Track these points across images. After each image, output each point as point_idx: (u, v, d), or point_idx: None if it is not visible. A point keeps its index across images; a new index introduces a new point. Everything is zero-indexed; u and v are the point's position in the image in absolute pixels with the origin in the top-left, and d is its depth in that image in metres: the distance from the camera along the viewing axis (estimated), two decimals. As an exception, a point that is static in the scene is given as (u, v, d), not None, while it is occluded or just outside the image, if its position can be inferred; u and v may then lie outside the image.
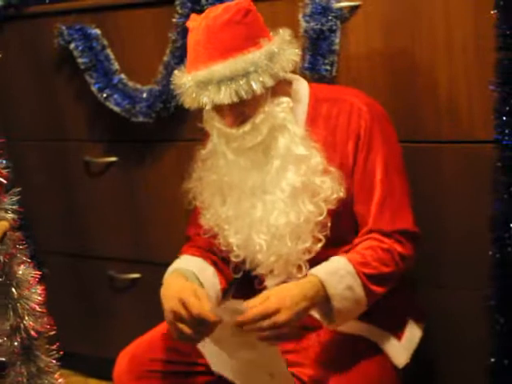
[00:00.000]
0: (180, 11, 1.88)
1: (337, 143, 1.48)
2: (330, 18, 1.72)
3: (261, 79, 1.37)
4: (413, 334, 1.57)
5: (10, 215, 1.12)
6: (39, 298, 1.16)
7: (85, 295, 2.40)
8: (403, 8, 1.68)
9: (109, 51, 2.05)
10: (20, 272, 1.15)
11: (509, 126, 1.56)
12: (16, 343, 1.15)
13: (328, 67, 1.75)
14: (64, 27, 2.05)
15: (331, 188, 1.44)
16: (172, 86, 1.47)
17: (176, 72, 1.47)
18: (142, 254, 2.23)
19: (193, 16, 1.46)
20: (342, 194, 1.45)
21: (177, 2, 1.88)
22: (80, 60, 2.04)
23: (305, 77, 1.76)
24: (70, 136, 2.25)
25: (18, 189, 1.13)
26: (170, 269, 1.56)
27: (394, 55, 1.72)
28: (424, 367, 1.85)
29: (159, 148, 2.05)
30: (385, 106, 1.72)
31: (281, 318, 1.28)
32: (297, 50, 1.45)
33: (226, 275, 1.61)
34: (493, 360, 1.66)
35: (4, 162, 1.14)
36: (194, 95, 1.39)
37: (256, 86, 1.37)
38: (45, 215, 2.39)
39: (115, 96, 2.03)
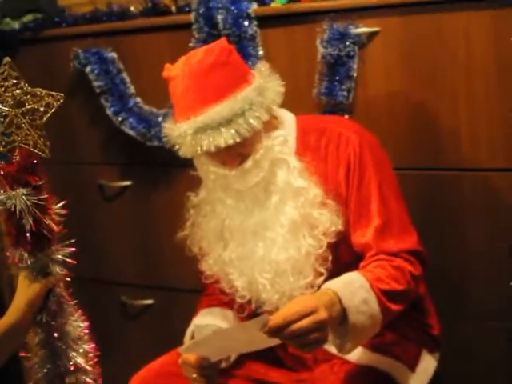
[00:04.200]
0: (197, 36, 1.89)
1: (328, 173, 1.49)
2: (347, 43, 1.73)
3: (257, 114, 1.39)
4: (427, 364, 1.55)
5: (59, 269, 1.10)
6: (86, 354, 1.15)
7: (97, 320, 2.36)
8: (423, 34, 1.68)
9: (124, 75, 2.07)
10: (66, 327, 1.13)
11: (530, 154, 1.56)
12: None
13: (345, 93, 1.75)
14: (80, 50, 2.07)
15: (330, 221, 1.44)
16: (165, 139, 1.47)
17: (166, 125, 1.47)
18: (155, 280, 2.23)
19: (167, 66, 1.45)
20: (340, 227, 1.45)
21: (194, 27, 1.90)
22: (95, 83, 2.06)
23: (320, 103, 1.79)
24: (84, 159, 2.26)
25: (73, 240, 1.10)
26: (190, 330, 1.60)
27: (413, 82, 1.71)
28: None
29: (173, 173, 2.06)
30: (403, 133, 1.75)
31: (321, 315, 1.23)
32: (279, 82, 1.45)
33: None
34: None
35: (60, 211, 1.11)
36: (193, 142, 1.39)
37: (255, 123, 1.38)
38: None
39: (130, 120, 2.04)
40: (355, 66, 1.75)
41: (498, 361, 1.73)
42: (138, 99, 2.06)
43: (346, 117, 1.77)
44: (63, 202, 1.11)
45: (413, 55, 1.70)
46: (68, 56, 2.09)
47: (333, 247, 1.46)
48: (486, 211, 1.70)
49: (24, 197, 1.07)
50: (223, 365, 1.53)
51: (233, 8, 1.83)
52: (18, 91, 1.06)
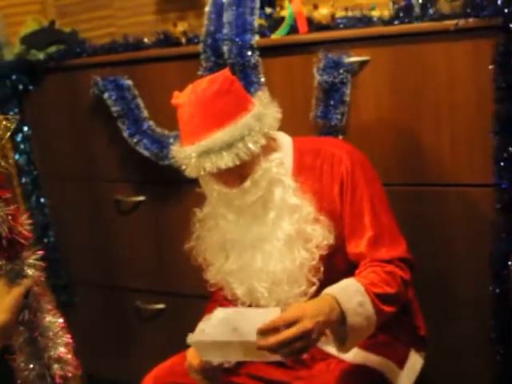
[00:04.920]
0: (204, 65, 2.01)
1: (323, 191, 1.56)
2: (341, 71, 1.83)
3: (255, 139, 1.46)
4: (414, 362, 1.64)
5: (33, 271, 1.15)
6: (66, 345, 1.18)
7: (114, 323, 2.48)
8: (408, 64, 1.78)
9: (139, 100, 2.16)
10: (46, 322, 1.17)
11: (506, 170, 1.67)
12: None
13: (339, 116, 1.85)
14: (99, 78, 2.17)
15: (322, 235, 1.53)
16: (173, 160, 1.56)
17: (173, 148, 1.56)
18: (166, 286, 2.31)
19: (176, 94, 1.53)
20: (331, 241, 1.53)
21: (202, 57, 2.01)
22: (113, 108, 2.16)
23: (317, 125, 1.90)
24: (102, 176, 2.36)
25: (39, 247, 1.16)
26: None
27: (400, 106, 1.81)
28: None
29: (183, 189, 2.15)
30: (392, 152, 1.85)
31: (305, 324, 1.29)
32: (277, 109, 1.53)
33: None
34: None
35: (28, 221, 1.15)
36: (197, 164, 1.47)
37: (253, 147, 1.46)
38: (78, 248, 2.49)
39: (144, 141, 2.14)
40: (348, 92, 1.84)
41: (485, 360, 1.81)
42: (151, 122, 2.15)
43: (340, 138, 1.87)
44: (27, 214, 1.16)
45: (400, 82, 1.79)
46: (88, 83, 2.19)
47: (327, 258, 1.54)
48: (467, 221, 1.79)
49: None
50: (226, 365, 1.60)
51: (237, 39, 1.93)
52: None
